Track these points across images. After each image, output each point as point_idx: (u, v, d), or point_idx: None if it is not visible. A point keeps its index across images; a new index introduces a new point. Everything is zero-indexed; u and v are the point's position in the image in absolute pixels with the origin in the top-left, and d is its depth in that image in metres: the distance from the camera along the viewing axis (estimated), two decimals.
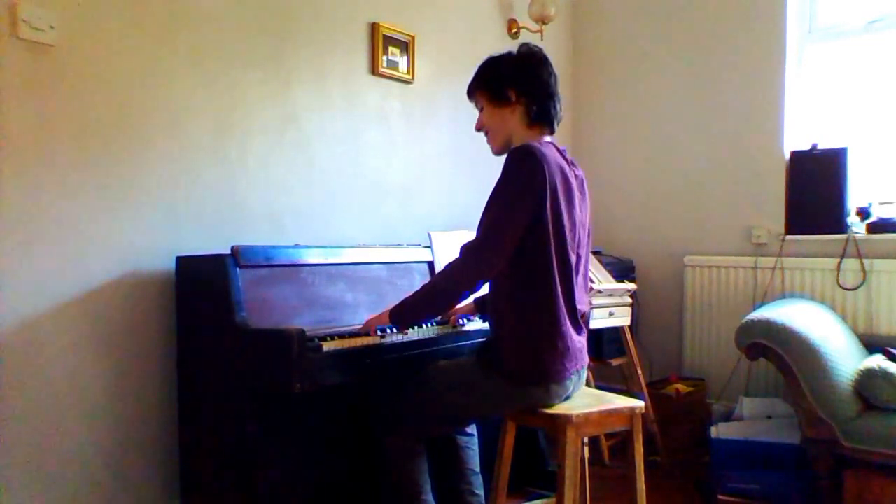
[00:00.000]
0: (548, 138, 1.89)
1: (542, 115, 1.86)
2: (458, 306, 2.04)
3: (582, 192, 1.89)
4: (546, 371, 1.76)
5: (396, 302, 1.85)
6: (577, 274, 1.82)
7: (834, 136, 3.09)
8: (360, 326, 1.95)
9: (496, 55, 1.93)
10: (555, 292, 1.74)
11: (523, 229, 1.70)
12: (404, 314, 1.84)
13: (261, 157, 2.36)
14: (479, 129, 1.96)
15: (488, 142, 1.95)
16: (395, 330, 1.96)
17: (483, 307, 2.11)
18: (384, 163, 2.80)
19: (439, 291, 1.82)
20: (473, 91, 1.95)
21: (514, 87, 1.85)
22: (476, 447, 2.07)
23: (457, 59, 3.04)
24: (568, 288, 1.78)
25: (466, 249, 1.77)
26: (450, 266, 1.81)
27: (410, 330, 2.02)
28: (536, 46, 1.91)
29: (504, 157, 1.78)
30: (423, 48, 2.92)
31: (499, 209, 1.72)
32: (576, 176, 1.86)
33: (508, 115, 1.87)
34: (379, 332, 1.94)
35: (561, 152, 1.86)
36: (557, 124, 1.90)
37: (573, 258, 1.79)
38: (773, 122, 3.19)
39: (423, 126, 2.94)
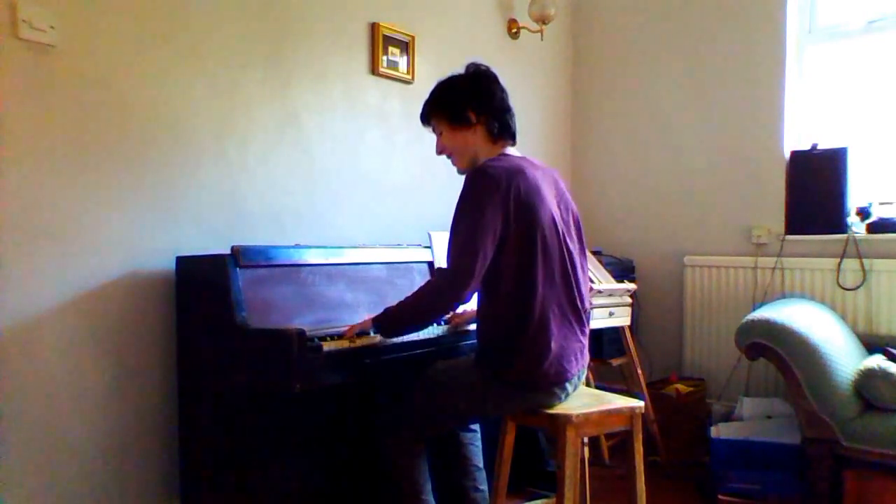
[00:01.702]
0: (510, 149, 1.91)
1: (504, 130, 1.89)
2: (464, 312, 2.07)
3: (556, 188, 1.89)
4: (544, 376, 1.76)
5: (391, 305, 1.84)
6: (570, 270, 1.81)
7: (834, 136, 3.09)
8: (345, 328, 1.93)
9: (447, 78, 1.94)
10: (543, 295, 1.73)
11: (493, 249, 1.70)
12: (385, 325, 1.83)
13: (261, 157, 2.36)
14: (440, 153, 1.97)
15: (454, 164, 1.96)
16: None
17: None
18: (384, 163, 2.80)
19: (417, 313, 1.81)
20: (429, 116, 1.96)
21: (472, 108, 1.87)
22: (479, 443, 2.07)
23: (457, 59, 2.99)
24: (557, 286, 1.77)
25: (440, 275, 1.79)
26: (427, 289, 1.80)
27: None
28: (483, 65, 1.93)
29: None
30: (423, 48, 2.92)
31: (464, 237, 1.71)
32: (544, 174, 1.87)
33: (470, 135, 1.89)
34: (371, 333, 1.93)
35: (521, 158, 1.87)
36: (516, 135, 1.93)
37: (557, 255, 1.78)
38: (773, 122, 3.19)
39: (422, 126, 2.93)
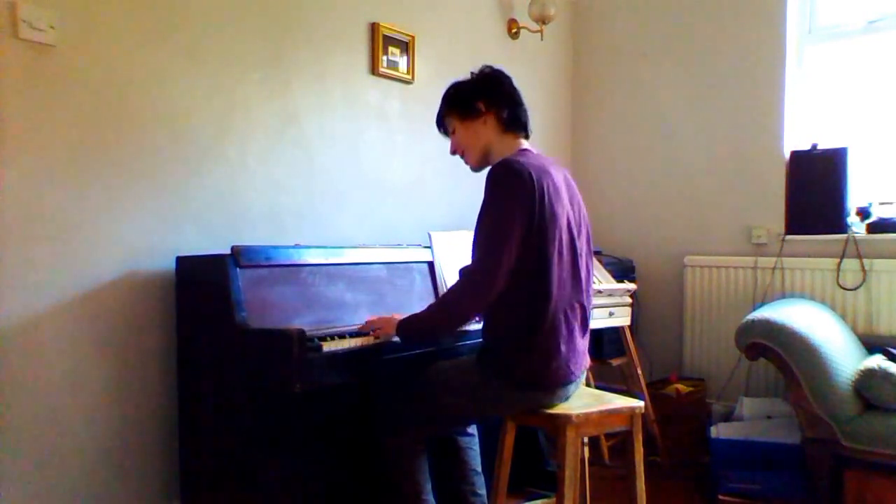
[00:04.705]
0: (524, 143, 1.90)
1: (514, 120, 1.88)
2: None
3: (569, 188, 1.88)
4: (551, 376, 1.76)
5: (399, 307, 1.83)
6: (579, 271, 1.81)
7: (834, 136, 3.09)
8: (360, 326, 1.94)
9: (457, 80, 1.95)
10: (554, 295, 1.73)
11: (518, 249, 1.69)
12: (412, 334, 1.83)
13: (261, 157, 2.36)
14: (454, 152, 1.97)
15: (466, 161, 1.95)
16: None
17: None
18: (384, 163, 2.79)
19: (445, 318, 1.78)
20: (442, 116, 1.96)
21: (482, 98, 1.87)
22: (477, 447, 2.07)
23: (457, 59, 3.04)
24: (567, 287, 1.77)
25: (465, 275, 1.75)
26: (452, 293, 1.77)
27: None
28: (496, 67, 1.94)
29: (485, 172, 1.78)
30: (423, 48, 2.92)
31: (490, 234, 1.70)
32: (558, 172, 1.86)
33: (481, 127, 1.88)
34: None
35: (540, 156, 1.87)
36: (530, 131, 1.93)
37: (568, 256, 1.77)
38: (773, 122, 3.19)
39: (423, 126, 2.93)
